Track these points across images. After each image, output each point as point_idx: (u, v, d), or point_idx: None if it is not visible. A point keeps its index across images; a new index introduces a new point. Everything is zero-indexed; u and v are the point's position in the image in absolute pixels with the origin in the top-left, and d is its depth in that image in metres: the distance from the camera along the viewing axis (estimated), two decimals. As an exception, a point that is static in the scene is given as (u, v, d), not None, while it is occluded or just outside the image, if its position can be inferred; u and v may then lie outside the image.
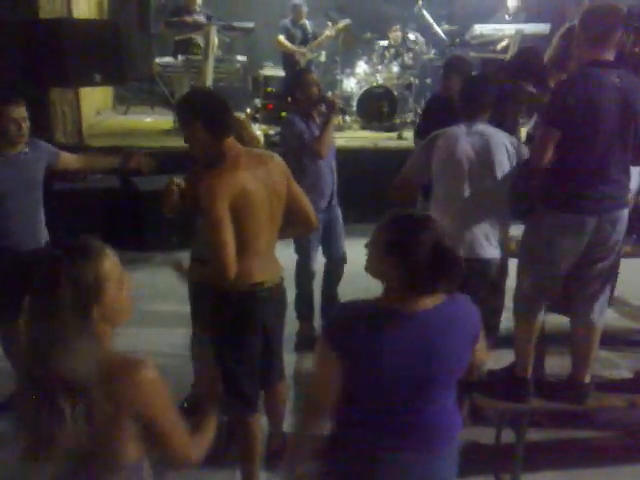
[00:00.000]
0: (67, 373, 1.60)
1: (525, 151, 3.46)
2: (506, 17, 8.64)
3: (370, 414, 2.00)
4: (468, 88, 3.73)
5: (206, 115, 2.74)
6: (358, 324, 1.93)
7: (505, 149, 3.42)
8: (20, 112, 3.48)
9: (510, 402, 3.37)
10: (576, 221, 3.15)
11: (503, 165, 3.41)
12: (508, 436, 3.49)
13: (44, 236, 3.73)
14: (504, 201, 3.49)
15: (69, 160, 3.82)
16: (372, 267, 2.02)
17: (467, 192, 3.43)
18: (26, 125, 3.51)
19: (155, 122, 8.23)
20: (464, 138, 3.45)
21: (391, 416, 1.99)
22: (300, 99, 4.48)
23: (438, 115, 4.18)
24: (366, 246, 2.04)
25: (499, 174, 3.40)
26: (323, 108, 4.53)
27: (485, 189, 3.42)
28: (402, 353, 1.92)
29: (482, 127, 3.48)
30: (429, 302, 1.96)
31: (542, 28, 8.07)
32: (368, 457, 2.01)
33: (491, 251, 3.47)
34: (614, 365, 4.25)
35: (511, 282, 3.61)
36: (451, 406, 2.08)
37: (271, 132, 7.46)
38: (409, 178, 3.65)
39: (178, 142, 4.55)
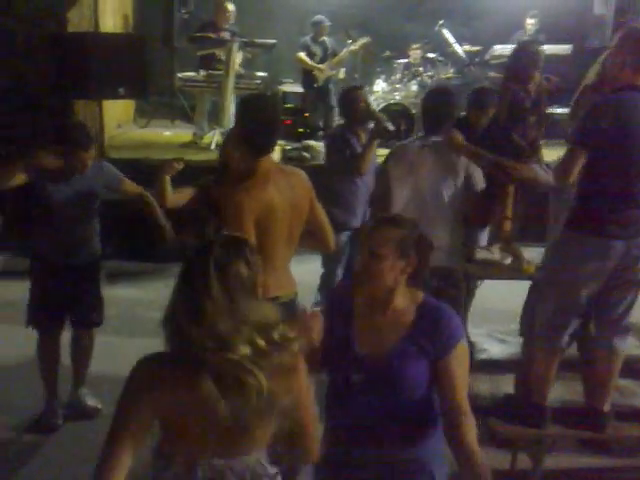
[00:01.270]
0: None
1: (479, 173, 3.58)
2: (524, 38, 8.61)
3: None
4: (426, 102, 3.81)
5: (247, 132, 2.79)
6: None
7: (452, 163, 3.55)
8: (91, 154, 3.61)
9: (527, 428, 3.33)
10: (602, 246, 3.12)
11: (447, 179, 3.53)
12: (523, 461, 3.44)
13: (95, 250, 3.85)
14: (452, 213, 3.58)
15: (131, 189, 3.90)
16: (383, 275, 2.06)
17: (413, 202, 3.56)
18: (90, 162, 3.63)
19: (174, 136, 8.28)
20: (416, 151, 3.60)
21: None
22: (347, 114, 4.50)
23: None
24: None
25: (444, 188, 3.53)
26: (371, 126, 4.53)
27: (430, 200, 3.55)
28: None
29: (435, 141, 3.58)
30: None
31: (563, 49, 8.04)
32: None
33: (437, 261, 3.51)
34: (633, 394, 4.16)
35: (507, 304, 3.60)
36: None
37: (288, 147, 7.49)
38: (380, 191, 3.82)
39: (197, 156, 4.58)
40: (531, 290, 3.80)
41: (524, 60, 4.91)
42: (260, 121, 2.78)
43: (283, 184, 2.81)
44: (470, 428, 2.02)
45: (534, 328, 3.48)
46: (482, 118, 4.61)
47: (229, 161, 3.17)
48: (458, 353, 2.04)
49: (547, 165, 3.52)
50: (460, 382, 2.04)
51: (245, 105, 2.99)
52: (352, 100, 4.52)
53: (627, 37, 3.18)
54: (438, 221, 3.54)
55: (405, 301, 2.10)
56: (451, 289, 3.62)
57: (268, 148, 2.80)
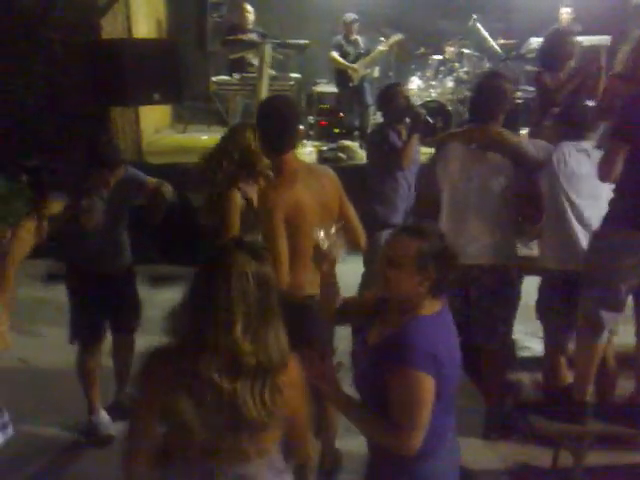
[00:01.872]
0: (270, 355, 1.75)
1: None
2: (576, 30, 8.46)
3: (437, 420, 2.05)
4: (473, 97, 3.77)
5: (262, 130, 2.87)
6: (434, 340, 2.01)
7: (500, 158, 3.47)
8: (116, 172, 3.58)
9: (568, 424, 3.29)
10: None
11: (496, 174, 3.47)
12: (565, 459, 3.40)
13: (126, 260, 3.86)
14: (503, 208, 3.52)
15: (151, 182, 3.84)
16: (398, 285, 2.06)
17: (461, 197, 3.53)
18: (113, 180, 3.62)
19: (211, 139, 8.30)
20: (463, 147, 3.55)
21: (449, 414, 2.13)
22: (387, 111, 4.54)
23: None
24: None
25: (493, 183, 3.47)
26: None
27: (479, 195, 3.50)
28: (453, 350, 2.09)
29: None
30: (438, 304, 2.11)
31: (602, 40, 7.88)
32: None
33: (484, 257, 3.47)
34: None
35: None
36: None
37: (324, 148, 7.51)
38: (424, 190, 3.86)
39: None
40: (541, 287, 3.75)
41: (555, 48, 4.87)
42: (273, 120, 2.82)
43: (313, 183, 2.84)
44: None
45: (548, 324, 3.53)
46: None
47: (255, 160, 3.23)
48: (402, 377, 1.96)
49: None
50: (396, 405, 1.99)
51: (260, 106, 3.06)
52: (392, 96, 4.55)
53: None
54: (487, 216, 3.51)
55: (422, 311, 2.07)
56: (507, 288, 3.58)
57: (283, 146, 2.81)
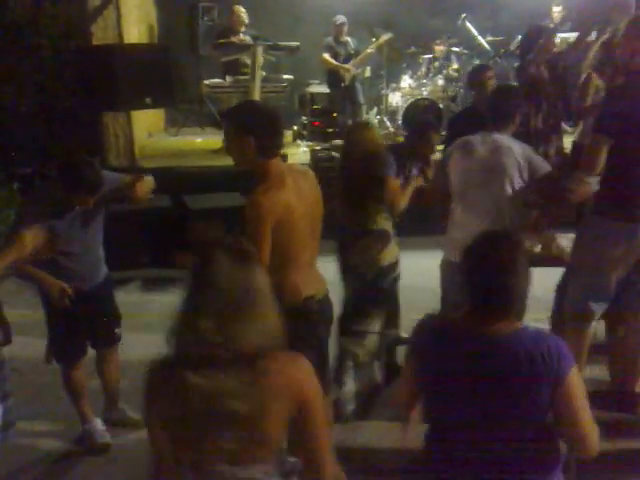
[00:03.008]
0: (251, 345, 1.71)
1: (542, 167, 3.45)
2: (551, 27, 8.54)
3: (443, 431, 2.04)
4: (491, 99, 3.80)
5: (259, 134, 2.72)
6: (431, 339, 2.03)
7: (515, 160, 3.43)
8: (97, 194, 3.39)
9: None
10: (627, 229, 3.12)
11: (510, 174, 3.43)
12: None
13: (103, 271, 3.73)
14: (513, 210, 3.50)
15: (126, 180, 3.68)
16: None
17: (476, 199, 3.50)
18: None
19: (205, 142, 8.39)
20: (477, 147, 3.53)
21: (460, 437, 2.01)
22: (412, 146, 4.38)
23: (462, 126, 4.29)
24: None
25: (507, 183, 3.43)
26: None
27: (493, 196, 3.47)
28: (466, 373, 1.94)
29: (497, 136, 3.51)
30: (502, 327, 1.94)
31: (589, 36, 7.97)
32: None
33: None
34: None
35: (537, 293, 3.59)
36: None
37: (317, 148, 7.56)
38: (435, 187, 3.85)
39: (228, 161, 4.60)
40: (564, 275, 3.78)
41: (534, 42, 4.95)
42: (263, 125, 2.74)
43: (300, 184, 2.83)
44: None
45: (561, 311, 3.51)
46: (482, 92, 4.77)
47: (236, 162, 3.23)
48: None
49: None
50: None
51: (244, 111, 2.91)
52: (426, 140, 4.34)
53: (634, 26, 3.21)
54: (489, 212, 3.50)
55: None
56: None
57: (273, 151, 2.77)
